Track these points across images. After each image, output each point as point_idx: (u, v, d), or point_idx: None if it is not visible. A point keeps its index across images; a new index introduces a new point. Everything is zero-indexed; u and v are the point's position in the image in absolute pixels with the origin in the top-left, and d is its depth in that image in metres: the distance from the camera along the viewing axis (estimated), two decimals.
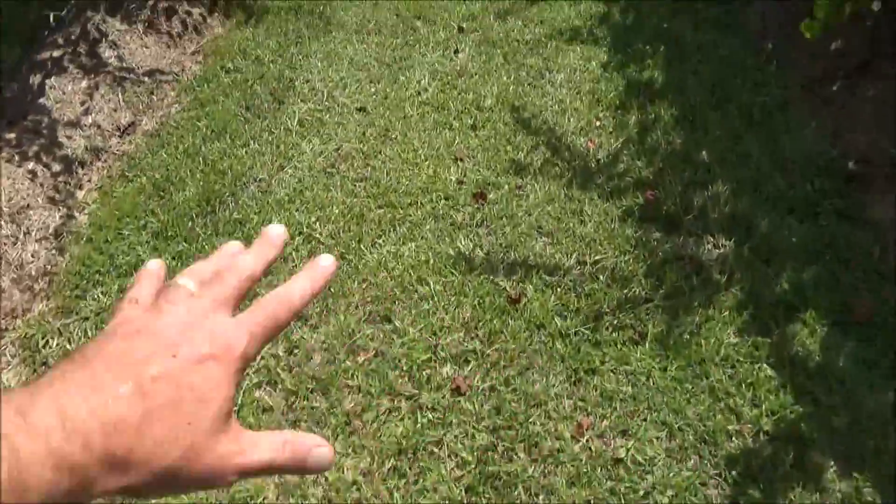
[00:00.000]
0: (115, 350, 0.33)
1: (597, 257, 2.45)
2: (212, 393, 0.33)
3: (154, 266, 0.41)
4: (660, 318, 2.22)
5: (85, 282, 2.53)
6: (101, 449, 0.30)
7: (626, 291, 2.31)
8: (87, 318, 2.42)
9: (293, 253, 2.59)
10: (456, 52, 3.55)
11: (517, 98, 3.21)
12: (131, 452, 0.30)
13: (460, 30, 3.72)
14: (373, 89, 3.35)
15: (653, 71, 3.26)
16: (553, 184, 2.75)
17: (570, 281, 2.38)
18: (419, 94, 3.31)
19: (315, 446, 0.36)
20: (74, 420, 0.30)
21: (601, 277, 2.37)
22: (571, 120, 3.05)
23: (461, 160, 2.91)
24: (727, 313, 2.19)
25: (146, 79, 3.45)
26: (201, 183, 2.88)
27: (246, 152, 3.03)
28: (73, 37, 3.50)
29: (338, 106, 3.26)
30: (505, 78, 3.35)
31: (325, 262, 0.42)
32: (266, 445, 0.35)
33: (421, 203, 2.74)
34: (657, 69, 3.27)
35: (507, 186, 2.76)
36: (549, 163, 2.83)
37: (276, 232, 0.43)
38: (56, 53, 3.38)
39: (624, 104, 3.09)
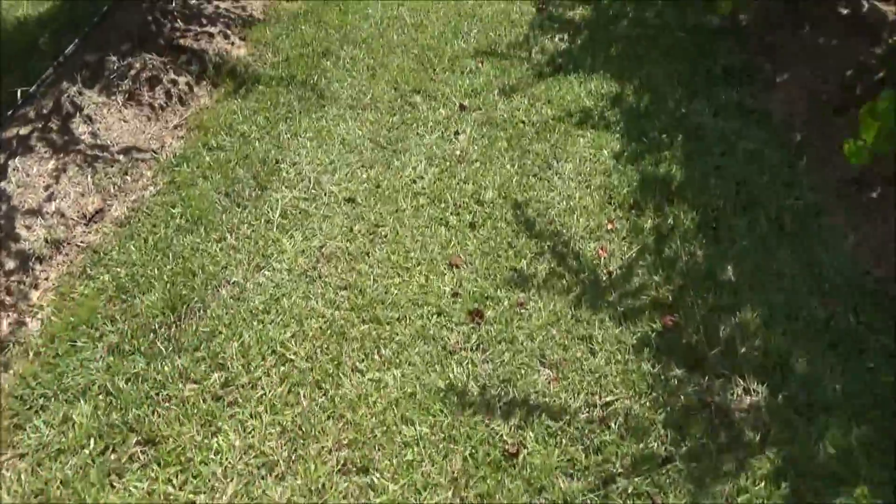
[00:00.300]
0: None
1: (608, 398, 2.13)
2: None
3: None
4: (682, 486, 1.88)
5: (27, 408, 2.23)
6: None
7: (641, 446, 1.98)
8: (24, 455, 2.11)
9: (263, 377, 2.28)
10: (456, 133, 3.28)
11: (521, 191, 2.92)
12: None
13: (462, 108, 3.45)
14: (364, 175, 3.07)
15: (670, 164, 2.97)
16: (559, 301, 2.44)
17: (577, 429, 2.05)
18: (415, 182, 3.02)
19: None
20: None
21: (613, 425, 2.05)
22: (580, 220, 2.75)
23: (457, 266, 2.61)
24: (763, 485, 1.86)
25: (121, 157, 3.19)
26: (169, 285, 2.58)
27: (221, 248, 2.74)
28: (44, 111, 3.26)
29: (325, 195, 2.97)
30: (508, 166, 3.06)
31: None
32: None
33: (410, 319, 2.43)
34: (675, 163, 2.98)
35: (506, 302, 2.45)
36: (555, 274, 2.52)
37: None
38: (24, 130, 3.13)
39: (639, 203, 2.79)
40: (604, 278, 2.52)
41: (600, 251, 2.61)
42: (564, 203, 2.85)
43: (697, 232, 2.64)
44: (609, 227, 2.72)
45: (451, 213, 2.85)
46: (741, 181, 2.84)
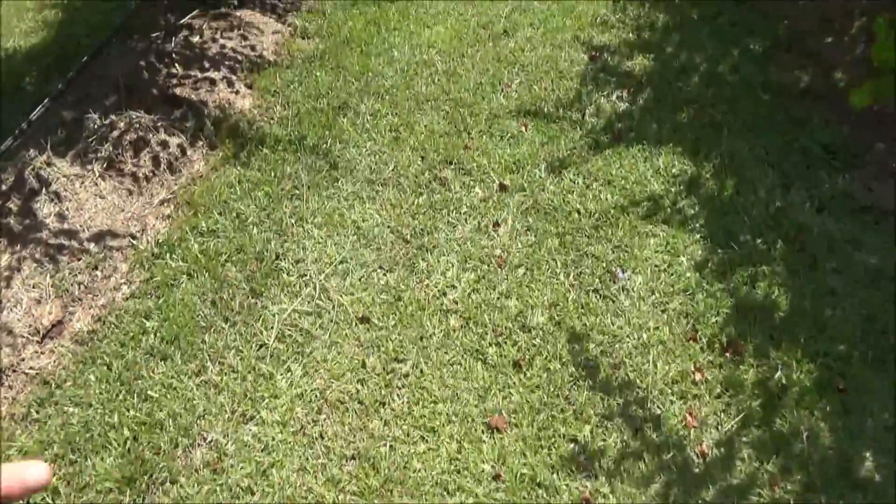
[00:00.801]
0: None
1: None
2: None
3: None
4: None
5: None
6: None
7: None
8: None
9: None
10: (496, 224, 2.62)
11: (578, 315, 2.25)
12: None
13: (502, 187, 2.78)
14: (382, 282, 2.42)
15: (771, 285, 2.28)
16: (638, 496, 1.77)
17: None
18: (444, 293, 2.37)
19: (31, 467, 0.42)
20: None
21: None
22: (658, 365, 2.08)
23: (498, 431, 1.95)
24: None
25: (91, 246, 2.58)
26: (129, 442, 1.97)
27: (199, 386, 2.11)
28: (3, 187, 2.65)
29: (333, 308, 2.33)
30: (561, 276, 2.39)
31: (34, 474, 0.42)
32: None
33: None
34: (776, 282, 2.28)
35: (566, 496, 1.79)
36: (630, 452, 1.85)
37: None
38: None
39: (733, 342, 2.11)
40: (696, 461, 1.84)
41: (689, 417, 1.93)
42: (635, 336, 2.17)
43: (818, 395, 1.95)
44: (697, 377, 2.04)
45: (490, 344, 2.19)
46: (868, 316, 2.14)
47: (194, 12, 3.88)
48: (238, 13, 3.94)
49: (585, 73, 3.43)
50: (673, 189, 2.71)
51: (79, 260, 2.52)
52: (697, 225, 2.53)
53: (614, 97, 3.24)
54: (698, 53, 3.45)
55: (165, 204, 2.85)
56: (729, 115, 3.02)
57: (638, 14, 3.86)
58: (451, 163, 2.94)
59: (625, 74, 3.39)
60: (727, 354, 2.09)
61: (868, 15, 3.37)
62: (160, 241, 2.65)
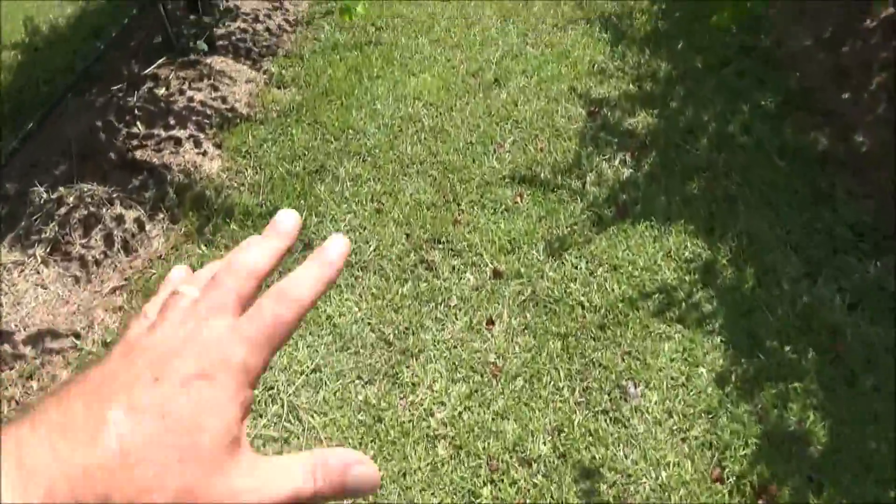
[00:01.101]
0: (98, 377, 0.27)
1: None
2: (205, 419, 0.25)
3: (177, 273, 0.34)
4: None
5: None
6: (69, 498, 0.23)
7: None
8: None
9: None
10: (490, 322, 2.28)
11: (586, 444, 1.91)
12: (107, 499, 0.23)
13: (496, 274, 2.45)
14: (360, 397, 2.07)
15: (805, 408, 1.96)
16: None
17: None
18: (431, 413, 2.03)
19: (355, 463, 0.27)
20: (34, 470, 0.23)
21: None
22: None
23: None
24: None
25: (27, 350, 2.22)
26: None
27: None
28: None
29: (302, 433, 1.98)
30: (565, 392, 2.05)
31: (337, 245, 0.32)
32: (290, 473, 0.27)
33: None
34: (810, 404, 1.96)
35: None
36: None
37: (285, 218, 0.33)
38: None
39: (766, 487, 1.78)
40: None
41: None
42: (653, 475, 1.83)
43: None
44: None
45: (485, 482, 1.85)
46: None
47: (161, 60, 3.52)
48: (208, 60, 3.58)
49: (584, 131, 3.11)
50: (687, 278, 2.38)
51: (11, 368, 2.16)
52: (717, 325, 2.21)
53: (617, 161, 2.91)
54: (705, 110, 3.13)
55: (117, 292, 2.49)
56: (744, 187, 2.71)
57: (638, 62, 3.55)
58: (439, 241, 2.60)
59: (627, 133, 3.07)
60: (760, 502, 1.76)
61: (888, 69, 3.07)
62: (108, 340, 2.29)
